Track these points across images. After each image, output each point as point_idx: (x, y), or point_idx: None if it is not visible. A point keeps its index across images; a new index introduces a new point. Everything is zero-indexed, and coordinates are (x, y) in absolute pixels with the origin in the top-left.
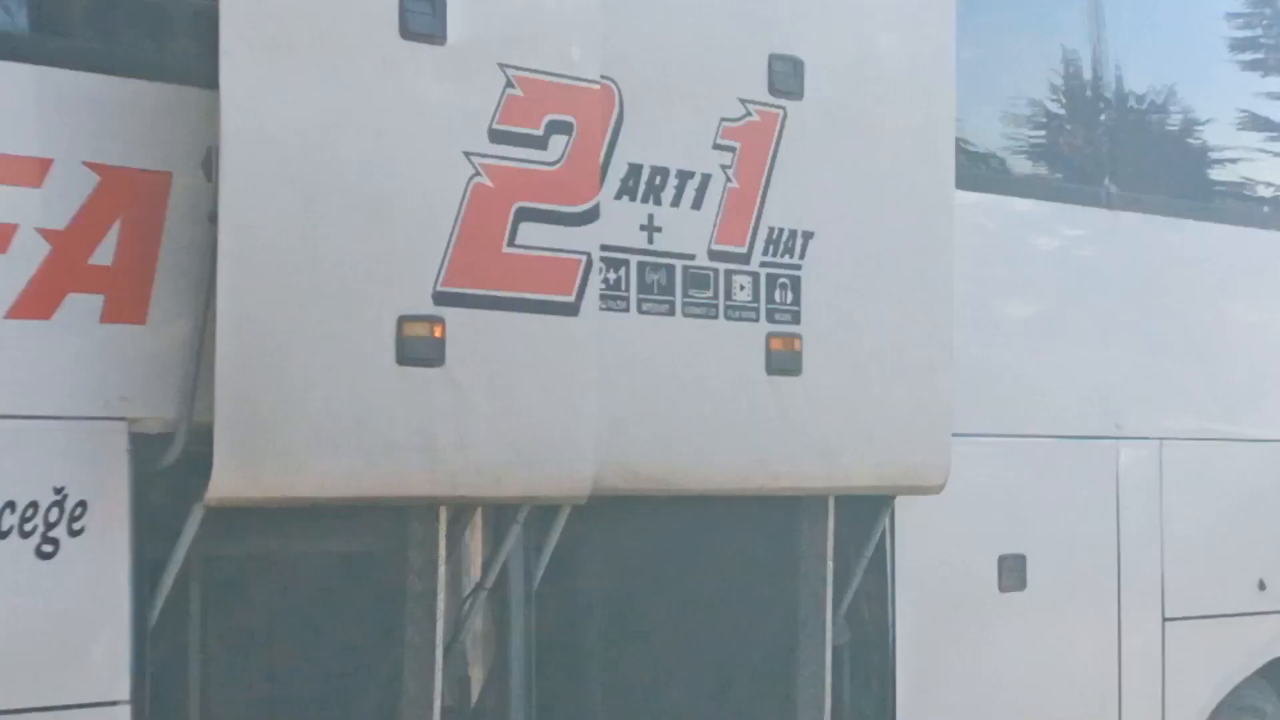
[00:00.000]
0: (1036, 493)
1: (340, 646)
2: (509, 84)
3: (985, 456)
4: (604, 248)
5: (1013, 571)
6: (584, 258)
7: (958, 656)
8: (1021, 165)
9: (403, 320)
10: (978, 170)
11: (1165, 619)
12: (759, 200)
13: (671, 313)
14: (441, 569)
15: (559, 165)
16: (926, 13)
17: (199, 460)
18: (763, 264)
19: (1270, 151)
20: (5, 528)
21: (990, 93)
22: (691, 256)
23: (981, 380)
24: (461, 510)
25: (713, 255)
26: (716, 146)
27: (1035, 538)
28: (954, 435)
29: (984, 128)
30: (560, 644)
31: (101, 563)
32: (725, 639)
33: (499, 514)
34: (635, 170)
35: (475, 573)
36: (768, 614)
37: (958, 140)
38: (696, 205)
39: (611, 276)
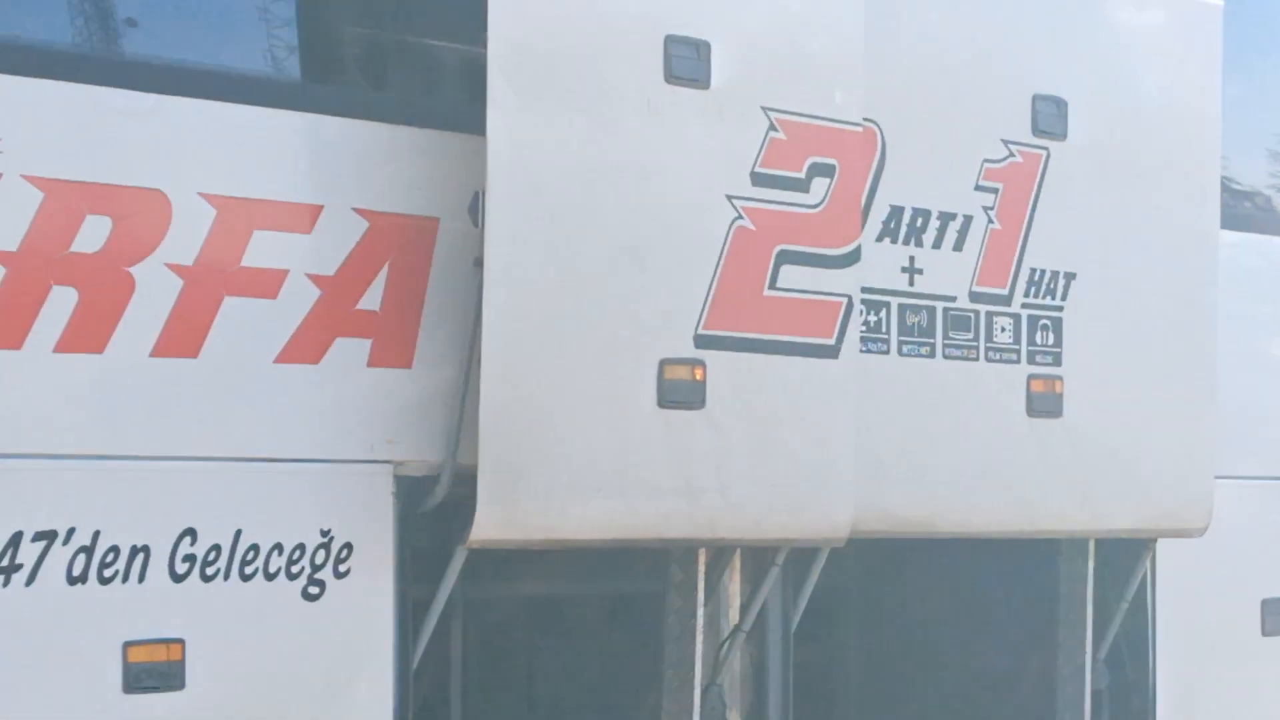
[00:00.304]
0: None
1: (599, 689)
2: (772, 127)
3: (1249, 499)
4: (865, 290)
5: (1276, 615)
6: (845, 300)
7: (1219, 701)
8: None
9: (664, 363)
10: (1243, 209)
11: None
12: (1021, 241)
13: (932, 355)
14: (700, 611)
15: (821, 208)
16: (1191, 50)
17: (461, 502)
18: (1024, 305)
19: None
20: (273, 569)
21: (1257, 129)
22: (953, 298)
23: (1246, 422)
24: (720, 553)
25: (974, 297)
26: (979, 188)
27: None
28: (1217, 477)
29: (1250, 165)
30: (817, 686)
31: (366, 604)
32: (983, 682)
33: (757, 556)
34: (897, 212)
35: (733, 615)
36: (1026, 657)
37: (1223, 179)
38: (958, 247)
39: (872, 319)
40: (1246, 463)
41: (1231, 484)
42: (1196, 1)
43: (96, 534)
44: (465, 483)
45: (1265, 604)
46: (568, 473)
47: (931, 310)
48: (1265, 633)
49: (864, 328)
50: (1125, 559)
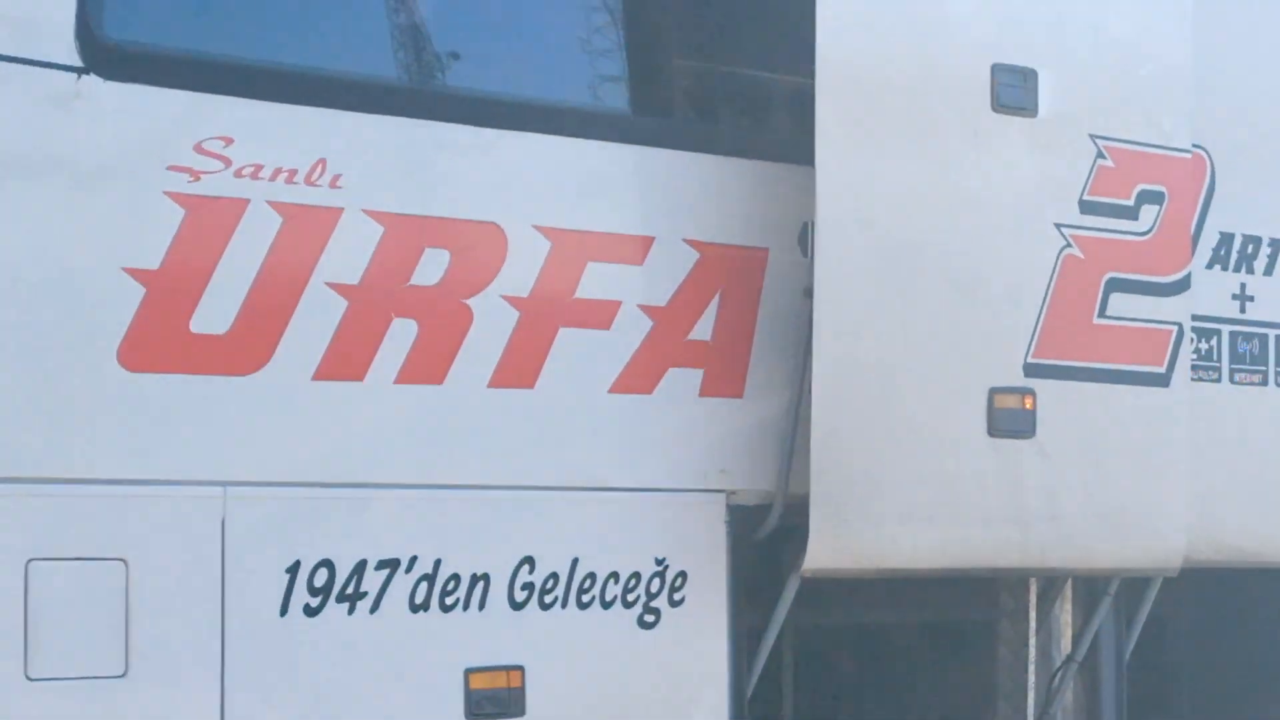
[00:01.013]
0: None
1: (928, 718)
2: (1100, 154)
3: None
4: (1195, 318)
5: None
6: (1175, 328)
7: None
8: None
9: (994, 392)
10: None
11: None
12: None
13: (1264, 383)
14: (1032, 640)
15: (1150, 235)
16: None
17: (792, 531)
18: None
19: None
20: (609, 598)
21: None
22: None
23: None
24: (1051, 582)
25: None
26: None
27: None
28: None
29: None
30: (1152, 718)
31: (701, 632)
32: None
33: (1088, 585)
34: (1226, 239)
35: (1066, 645)
36: None
37: None
38: None
39: (1203, 346)
40: None
41: None
42: None
43: (438, 562)
44: (797, 512)
45: None
46: (899, 501)
47: (1264, 338)
48: None
49: (1195, 355)
50: None
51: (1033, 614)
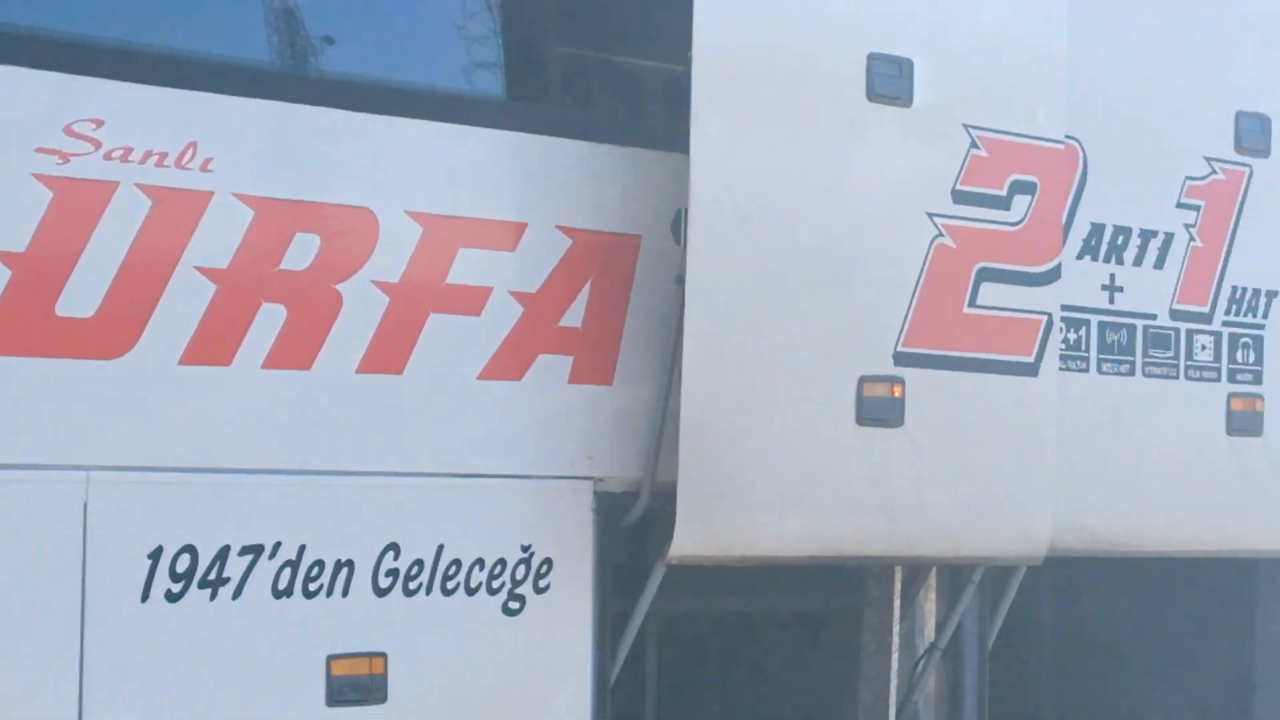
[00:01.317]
0: None
1: (792, 705)
2: (973, 144)
3: None
4: (1065, 308)
5: None
6: (1045, 318)
7: None
8: None
9: (863, 381)
10: None
11: None
12: (1222, 259)
13: (1132, 373)
14: (896, 628)
15: (1021, 225)
16: None
17: (659, 518)
18: (1225, 323)
19: None
20: (474, 585)
21: None
22: (1153, 316)
23: None
24: (917, 570)
25: (1174, 315)
26: (1180, 205)
27: None
28: None
29: None
30: (1013, 705)
31: (566, 619)
32: (1175, 702)
33: (954, 574)
34: (1098, 230)
35: (930, 633)
36: (1220, 678)
37: None
38: (1159, 265)
39: (1071, 336)
40: None
41: None
42: None
43: (302, 549)
44: (664, 499)
45: None
46: (766, 489)
47: (1132, 328)
48: None
49: (1064, 345)
50: None
51: (897, 602)
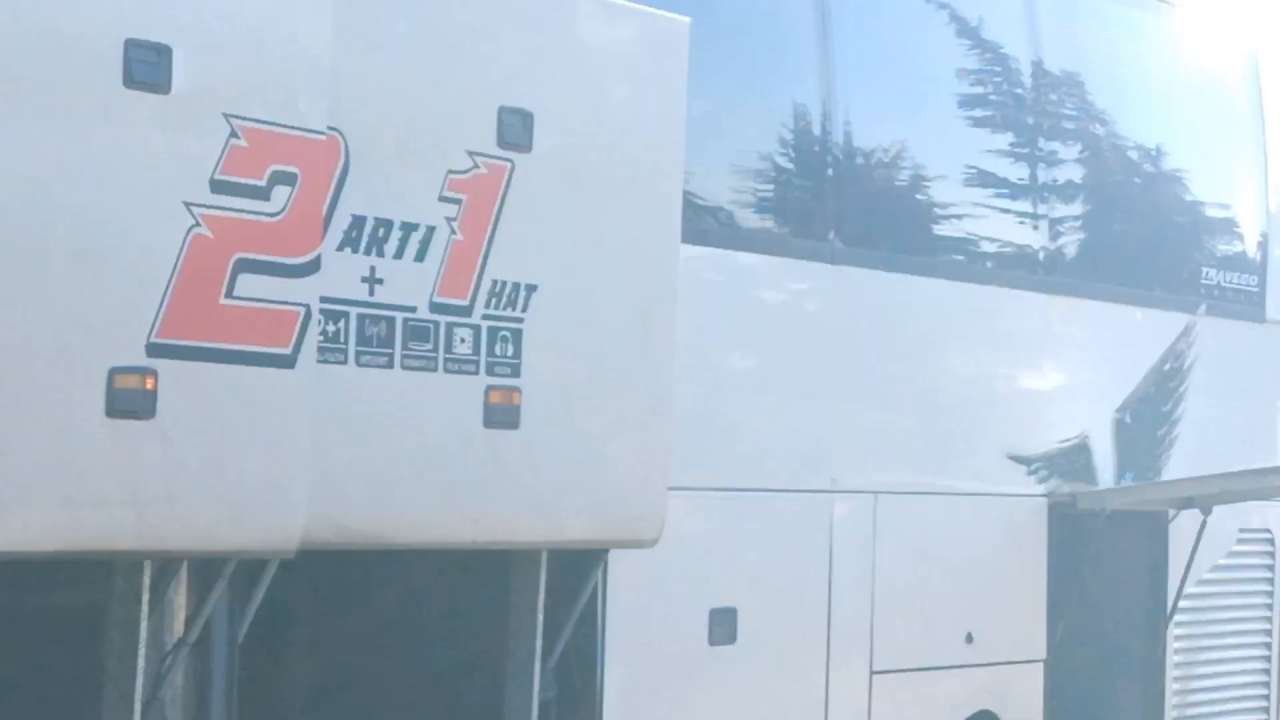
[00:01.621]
0: (750, 546)
1: (39, 702)
2: (233, 134)
3: (700, 510)
4: (324, 299)
5: (723, 625)
6: (303, 309)
7: (666, 710)
8: (748, 219)
9: (114, 372)
10: (705, 224)
11: (873, 672)
12: (483, 253)
13: (390, 365)
14: (144, 624)
15: (281, 216)
16: (658, 67)
17: None
18: (484, 316)
19: (993, 207)
20: None
21: (719, 146)
22: (413, 309)
23: (699, 433)
24: (168, 565)
25: (434, 308)
26: (442, 199)
27: (747, 591)
28: (670, 489)
29: (712, 181)
30: (265, 700)
31: None
32: (434, 692)
33: (207, 569)
34: (359, 222)
35: (179, 628)
36: (477, 668)
37: (685, 194)
38: (420, 258)
39: (331, 328)
40: (700, 475)
41: (685, 495)
42: (664, 19)
43: None
44: None
45: (713, 614)
46: (9, 482)
47: (391, 321)
48: (712, 642)
49: (322, 338)
50: (578, 570)
51: (145, 597)
